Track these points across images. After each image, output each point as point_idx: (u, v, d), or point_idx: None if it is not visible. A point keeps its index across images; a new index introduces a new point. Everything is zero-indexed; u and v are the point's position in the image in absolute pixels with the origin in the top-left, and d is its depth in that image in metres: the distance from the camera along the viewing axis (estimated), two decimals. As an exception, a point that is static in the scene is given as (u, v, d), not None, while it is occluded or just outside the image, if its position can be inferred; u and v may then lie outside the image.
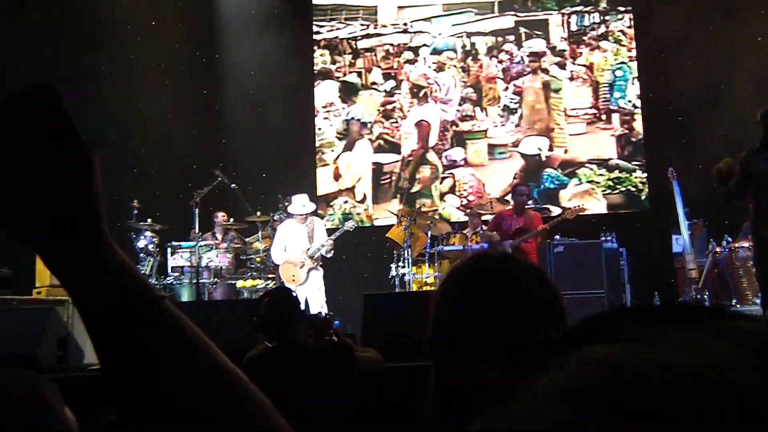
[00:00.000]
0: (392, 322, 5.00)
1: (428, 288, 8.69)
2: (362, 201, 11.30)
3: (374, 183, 11.36)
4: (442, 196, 11.19)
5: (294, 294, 3.62)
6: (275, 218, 9.00)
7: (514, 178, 10.98)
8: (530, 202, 8.77)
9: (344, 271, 9.82)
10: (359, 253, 10.33)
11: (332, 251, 8.36)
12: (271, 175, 10.44)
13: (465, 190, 11.17)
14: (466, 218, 10.01)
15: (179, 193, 9.08)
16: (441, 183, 11.21)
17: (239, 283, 8.69)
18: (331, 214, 11.22)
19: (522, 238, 7.89)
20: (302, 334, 3.46)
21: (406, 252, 8.45)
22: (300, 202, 8.44)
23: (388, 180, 11.34)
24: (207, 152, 10.23)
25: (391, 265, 8.78)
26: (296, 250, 8.37)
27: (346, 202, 11.31)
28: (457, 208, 11.14)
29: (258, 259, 8.89)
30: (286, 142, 10.76)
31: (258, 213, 9.05)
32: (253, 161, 10.52)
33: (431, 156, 11.24)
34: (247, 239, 9.29)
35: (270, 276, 8.79)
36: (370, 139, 11.44)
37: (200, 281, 8.21)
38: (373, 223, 11.23)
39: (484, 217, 9.12)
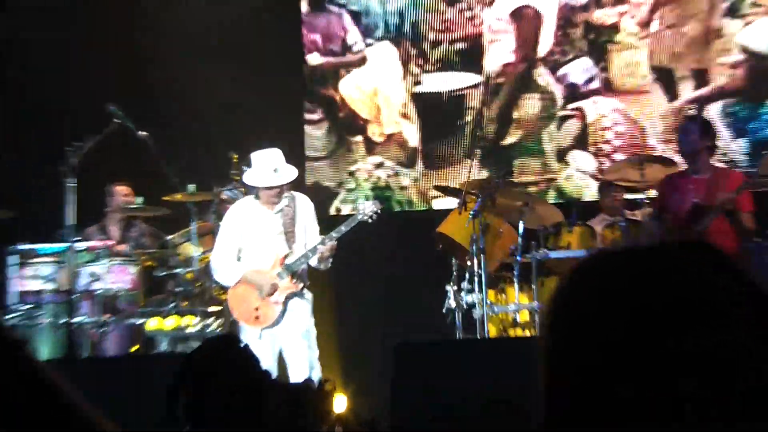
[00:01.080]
0: (448, 399, 5.28)
1: (519, 332, 8.91)
2: (411, 164, 11.57)
3: (424, 131, 11.47)
4: (561, 152, 11.18)
5: (243, 346, 3.75)
6: (223, 196, 9.14)
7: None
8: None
9: (360, 295, 10.05)
10: (390, 263, 10.48)
11: (330, 259, 8.44)
12: (224, 122, 10.75)
13: (605, 140, 11.12)
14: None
15: (39, 152, 9.20)
16: (560, 128, 11.22)
17: (151, 324, 8.84)
18: (351, 189, 11.48)
19: (702, 224, 8.02)
20: (274, 420, 3.55)
21: (475, 261, 8.47)
22: (266, 164, 8.45)
23: (458, 124, 11.34)
24: (100, 80, 10.41)
25: (448, 287, 8.88)
26: (262, 258, 8.44)
27: (380, 166, 11.63)
28: (592, 176, 11.06)
29: (189, 276, 9.02)
30: (254, 61, 11.14)
31: (191, 187, 9.17)
32: (191, 96, 10.77)
33: (541, 76, 11.31)
34: (169, 237, 9.36)
35: (211, 310, 8.97)
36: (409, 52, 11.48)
37: (76, 320, 8.34)
38: (431, 204, 11.29)
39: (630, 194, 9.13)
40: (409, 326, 9.54)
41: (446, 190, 9.93)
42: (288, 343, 8.36)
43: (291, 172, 8.54)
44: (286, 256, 8.42)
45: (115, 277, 8.80)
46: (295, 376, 7.91)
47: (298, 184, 8.96)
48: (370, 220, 8.51)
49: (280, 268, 8.38)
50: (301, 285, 8.48)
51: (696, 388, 1.20)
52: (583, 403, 1.27)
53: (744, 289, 1.28)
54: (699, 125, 8.48)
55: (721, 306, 1.26)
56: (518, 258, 8.75)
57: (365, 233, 8.82)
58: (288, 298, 8.40)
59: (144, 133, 8.80)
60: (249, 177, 8.53)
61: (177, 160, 9.21)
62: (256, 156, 8.52)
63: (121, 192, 9.47)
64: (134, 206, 9.43)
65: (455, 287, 8.87)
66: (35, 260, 8.67)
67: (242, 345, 3.73)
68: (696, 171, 8.35)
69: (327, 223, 8.74)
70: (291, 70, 11.86)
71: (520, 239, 8.74)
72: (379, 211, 8.55)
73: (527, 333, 8.83)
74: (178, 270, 9.14)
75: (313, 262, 8.41)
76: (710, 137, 8.49)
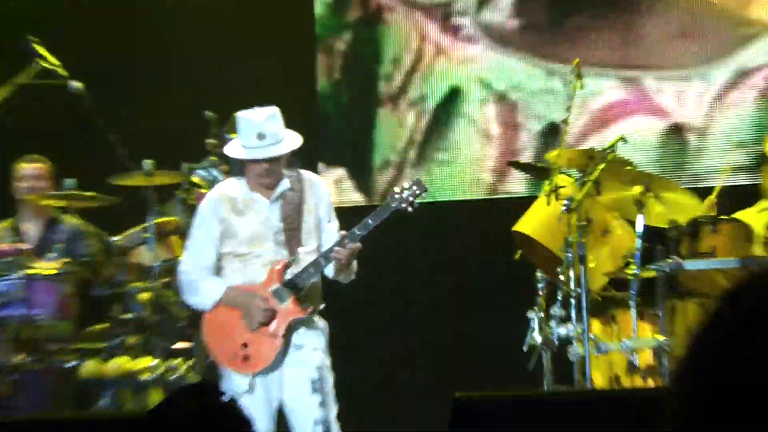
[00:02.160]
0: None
1: (638, 381, 7.96)
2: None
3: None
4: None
5: (227, 401, 3.44)
6: (195, 178, 8.69)
7: None
8: None
9: (400, 323, 9.91)
10: (445, 276, 10.17)
11: (354, 268, 7.45)
12: (203, 71, 10.68)
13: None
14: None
15: None
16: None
17: (87, 366, 8.44)
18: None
19: None
20: None
21: (571, 275, 7.78)
22: (254, 128, 7.30)
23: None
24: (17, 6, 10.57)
25: (531, 314, 7.97)
26: (252, 270, 7.51)
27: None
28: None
29: (144, 297, 8.55)
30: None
31: (148, 165, 8.64)
32: (153, 32, 10.73)
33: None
34: (115, 239, 8.88)
35: (177, 347, 8.62)
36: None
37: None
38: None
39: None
40: (474, 371, 8.87)
41: (526, 168, 9.20)
42: (291, 396, 7.28)
43: (290, 140, 7.31)
44: (286, 266, 7.25)
45: (33, 298, 8.10)
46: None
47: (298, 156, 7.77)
48: (410, 209, 7.24)
49: (278, 284, 7.24)
50: (311, 309, 7.32)
51: None
52: None
53: None
54: None
55: None
56: (637, 270, 7.61)
57: (405, 229, 8.41)
58: (291, 328, 7.27)
59: (78, 84, 8.02)
60: (230, 148, 7.45)
61: (128, 125, 8.71)
62: (241, 117, 7.31)
63: (28, 172, 8.49)
64: (60, 193, 8.36)
65: (542, 314, 7.82)
66: None
67: (225, 399, 3.37)
68: None
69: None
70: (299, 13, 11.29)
71: (639, 242, 7.64)
72: (423, 196, 7.43)
73: (650, 383, 7.84)
74: (128, 288, 8.41)
75: (329, 272, 7.32)
76: None
